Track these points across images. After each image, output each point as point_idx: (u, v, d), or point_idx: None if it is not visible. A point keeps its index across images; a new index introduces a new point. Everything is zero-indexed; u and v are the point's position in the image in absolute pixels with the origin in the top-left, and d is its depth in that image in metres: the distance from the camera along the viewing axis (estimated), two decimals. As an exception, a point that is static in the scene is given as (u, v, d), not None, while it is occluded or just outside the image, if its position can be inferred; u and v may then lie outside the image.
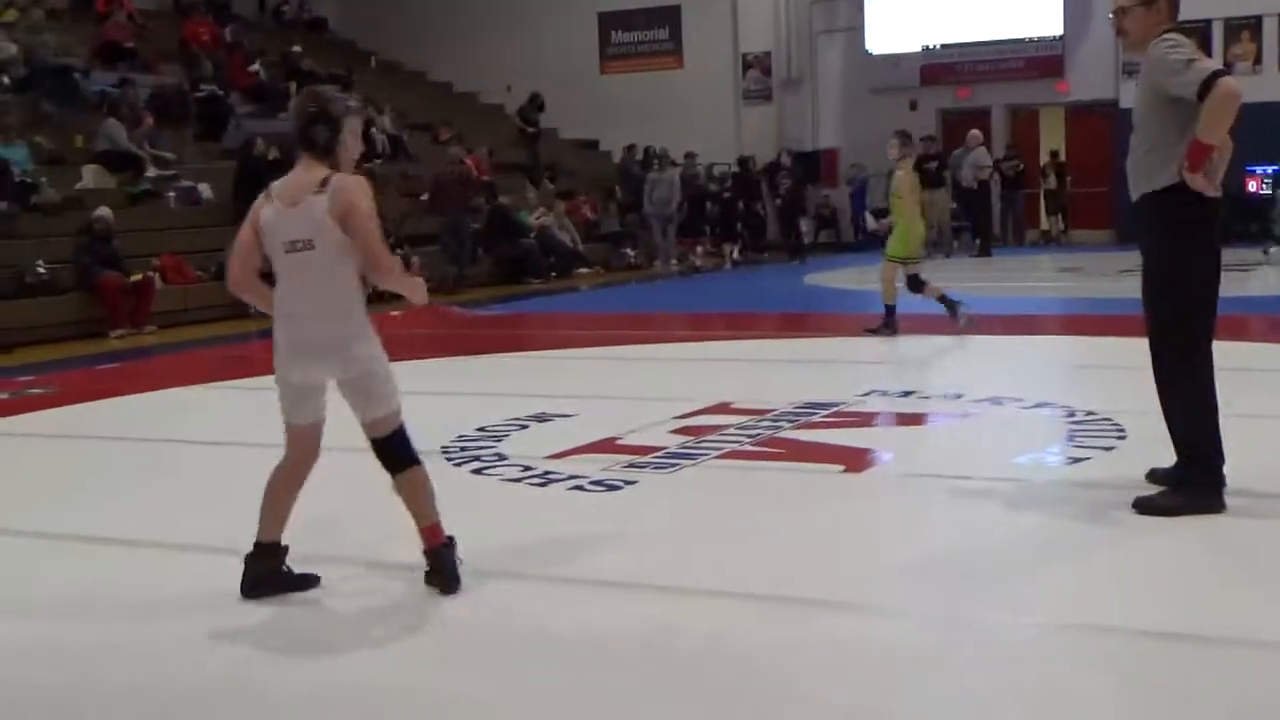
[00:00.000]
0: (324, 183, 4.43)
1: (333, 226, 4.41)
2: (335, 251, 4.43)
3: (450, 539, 4.60)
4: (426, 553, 4.57)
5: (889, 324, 11.52)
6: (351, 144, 4.56)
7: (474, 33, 27.39)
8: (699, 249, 23.09)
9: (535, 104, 25.13)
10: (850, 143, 26.16)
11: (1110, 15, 5.33)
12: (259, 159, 17.89)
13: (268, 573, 4.58)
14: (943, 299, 11.38)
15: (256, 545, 4.60)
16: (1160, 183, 5.08)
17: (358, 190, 4.44)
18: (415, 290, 4.61)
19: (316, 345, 4.46)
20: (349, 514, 5.52)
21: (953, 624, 4.17)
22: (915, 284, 11.56)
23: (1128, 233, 19.67)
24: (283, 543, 4.62)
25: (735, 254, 23.33)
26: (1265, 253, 18.67)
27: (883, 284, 11.66)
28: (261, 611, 4.46)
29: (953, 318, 11.23)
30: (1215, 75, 4.91)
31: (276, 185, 4.57)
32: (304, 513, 4.69)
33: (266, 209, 4.52)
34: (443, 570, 4.55)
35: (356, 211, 4.39)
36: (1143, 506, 5.21)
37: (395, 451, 4.55)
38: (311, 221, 4.42)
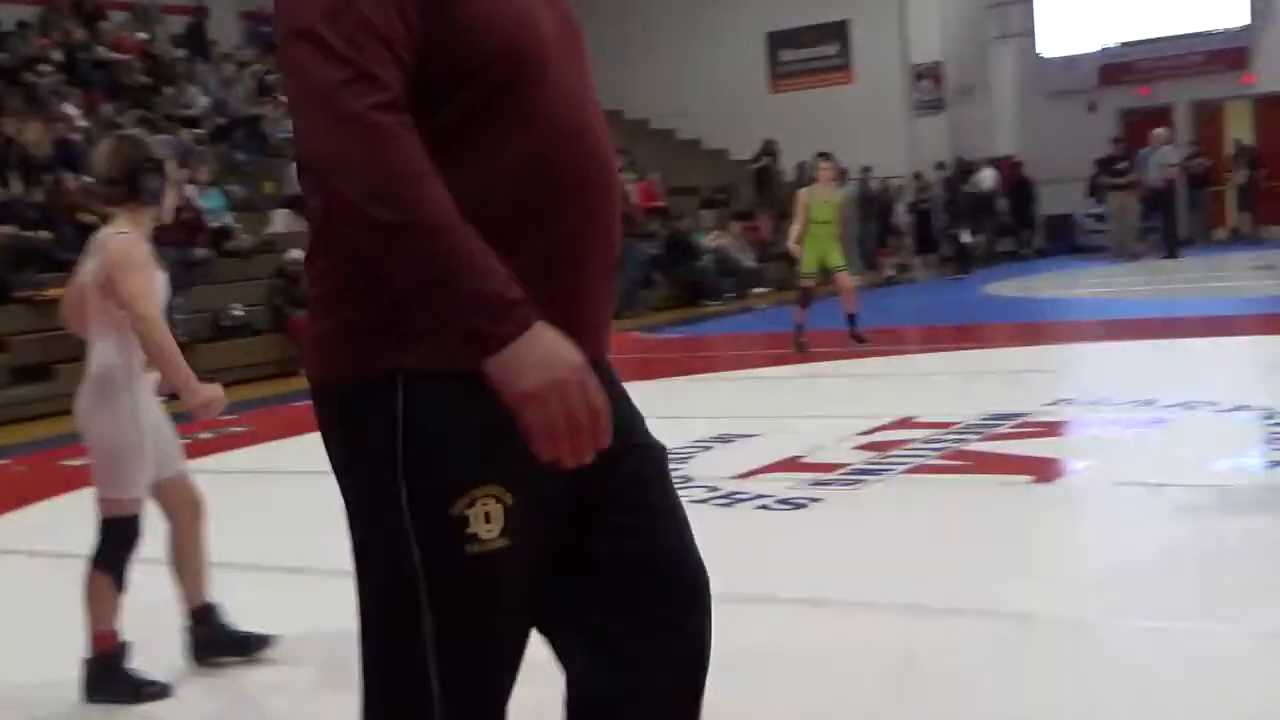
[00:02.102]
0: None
1: (95, 291, 4.05)
2: (97, 318, 4.09)
3: (121, 646, 4.12)
4: (88, 661, 4.11)
5: None
6: (168, 193, 4.23)
7: (642, 59, 27.62)
8: (890, 261, 22.92)
9: (769, 150, 25.58)
10: (1029, 150, 25.69)
11: None
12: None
13: (208, 636, 4.36)
14: None
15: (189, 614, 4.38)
16: None
17: (127, 247, 4.02)
18: (191, 395, 4.07)
19: (77, 407, 4.16)
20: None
21: (1159, 635, 4.07)
22: None
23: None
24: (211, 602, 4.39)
25: (935, 265, 23.06)
26: None
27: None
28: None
29: None
30: None
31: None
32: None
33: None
34: (94, 681, 4.09)
35: (120, 279, 3.97)
36: None
37: (99, 539, 4.10)
38: (88, 282, 4.10)
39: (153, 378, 4.18)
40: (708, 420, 8.43)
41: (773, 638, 4.30)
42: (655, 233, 20.38)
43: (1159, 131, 22.56)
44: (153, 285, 4.04)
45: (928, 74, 26.38)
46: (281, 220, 17.51)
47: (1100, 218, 23.76)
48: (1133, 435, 7.32)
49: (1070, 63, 25.07)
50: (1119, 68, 24.92)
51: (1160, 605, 4.33)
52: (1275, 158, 23.74)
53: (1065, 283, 19.09)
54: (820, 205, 12.33)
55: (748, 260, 21.51)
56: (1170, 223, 22.41)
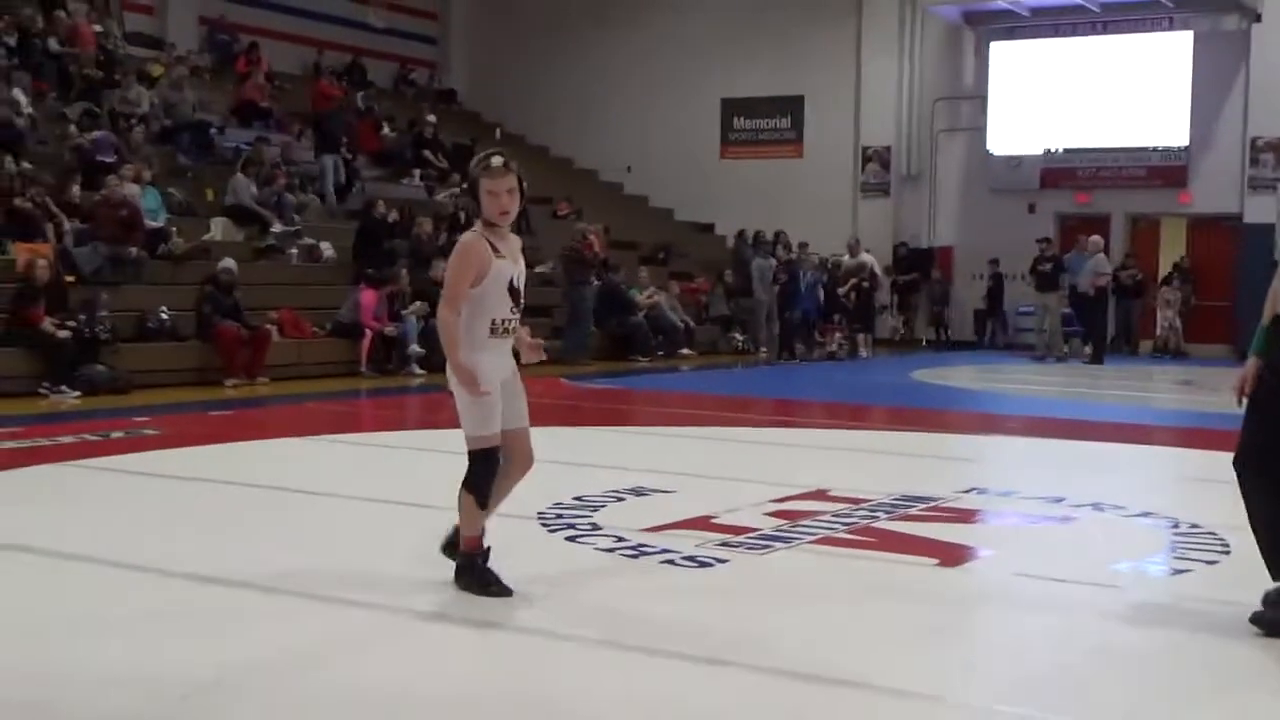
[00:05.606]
0: None
1: None
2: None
3: (484, 550, 5.37)
4: (446, 548, 5.48)
5: None
6: (486, 201, 5.26)
7: (598, 112, 27.83)
8: (834, 337, 22.83)
9: (744, 238, 24.91)
10: (967, 241, 26.06)
11: None
12: (380, 220, 18.29)
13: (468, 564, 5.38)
14: None
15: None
16: None
17: (456, 250, 5.30)
18: (458, 373, 5.19)
19: None
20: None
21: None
22: None
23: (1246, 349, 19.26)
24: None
25: (868, 346, 22.98)
26: None
27: None
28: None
29: None
30: None
31: None
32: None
33: None
34: (460, 570, 5.38)
35: (449, 265, 5.34)
36: (1261, 622, 5.04)
37: (468, 468, 5.29)
38: None
39: None
40: (624, 472, 8.43)
41: (664, 690, 4.30)
42: (589, 283, 20.28)
43: (1095, 239, 22.80)
44: None
45: (876, 157, 26.74)
46: (219, 228, 17.38)
47: (1030, 314, 24.06)
48: (1039, 529, 7.41)
49: (1014, 162, 25.49)
50: (1060, 172, 25.36)
51: (1039, 698, 4.38)
52: (1203, 277, 24.23)
53: (990, 376, 19.33)
54: None
55: (680, 320, 21.61)
56: (1098, 329, 22.69)
